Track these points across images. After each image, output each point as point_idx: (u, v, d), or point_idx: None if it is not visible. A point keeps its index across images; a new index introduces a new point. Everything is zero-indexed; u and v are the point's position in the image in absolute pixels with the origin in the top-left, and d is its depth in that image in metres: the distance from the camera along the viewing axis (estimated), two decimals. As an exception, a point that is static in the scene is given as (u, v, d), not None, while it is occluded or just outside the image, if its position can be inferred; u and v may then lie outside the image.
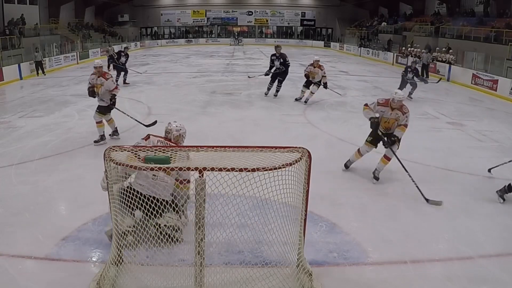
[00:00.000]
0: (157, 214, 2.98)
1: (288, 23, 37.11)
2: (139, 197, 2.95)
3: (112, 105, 6.45)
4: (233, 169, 2.54)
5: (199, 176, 2.49)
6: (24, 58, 15.62)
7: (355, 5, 33.43)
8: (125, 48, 12.86)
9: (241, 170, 2.55)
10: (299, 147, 2.72)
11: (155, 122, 6.69)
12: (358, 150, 5.11)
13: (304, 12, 36.59)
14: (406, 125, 4.81)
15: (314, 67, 9.32)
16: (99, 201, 3.71)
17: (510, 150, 6.37)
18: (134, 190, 2.97)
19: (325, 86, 9.61)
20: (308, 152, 2.71)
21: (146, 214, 2.98)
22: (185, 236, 2.83)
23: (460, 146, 6.47)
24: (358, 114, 8.62)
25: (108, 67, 13.47)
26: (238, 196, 2.76)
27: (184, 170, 2.53)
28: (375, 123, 4.80)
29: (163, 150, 2.71)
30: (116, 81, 10.60)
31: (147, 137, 3.59)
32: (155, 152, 2.68)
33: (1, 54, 14.47)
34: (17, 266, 3.14)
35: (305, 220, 2.85)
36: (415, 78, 10.49)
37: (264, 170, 2.61)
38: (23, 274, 3.05)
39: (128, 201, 2.91)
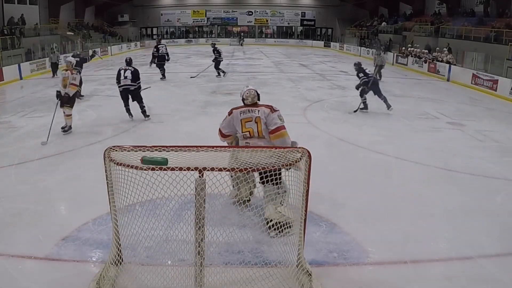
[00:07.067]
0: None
1: (288, 23, 37.11)
2: None
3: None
4: (233, 169, 2.55)
5: (199, 176, 2.49)
6: (24, 58, 15.61)
7: (355, 5, 33.43)
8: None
9: (241, 170, 2.55)
10: (299, 147, 2.72)
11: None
12: None
13: (304, 12, 36.59)
14: None
15: None
16: (99, 201, 3.70)
17: (510, 150, 6.38)
18: None
19: None
20: (308, 152, 2.71)
21: None
22: (186, 236, 2.83)
23: (460, 146, 6.47)
24: (358, 114, 8.64)
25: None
26: (238, 196, 2.75)
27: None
28: None
29: (162, 150, 2.70)
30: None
31: (230, 112, 3.85)
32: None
33: (1, 54, 14.47)
34: (17, 266, 3.14)
35: (305, 220, 2.85)
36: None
37: (264, 170, 2.62)
38: (23, 274, 3.04)
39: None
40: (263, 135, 3.70)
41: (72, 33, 23.67)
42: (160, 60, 13.39)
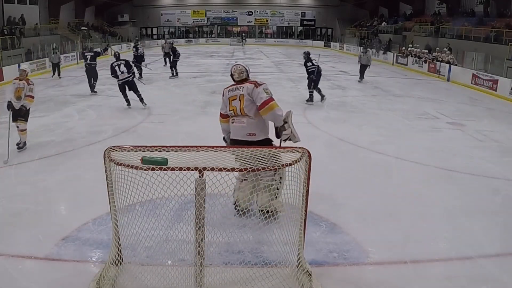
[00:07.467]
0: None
1: (288, 23, 37.12)
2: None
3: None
4: (233, 169, 2.54)
5: (199, 176, 2.49)
6: (24, 58, 15.59)
7: (355, 5, 33.44)
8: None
9: (241, 170, 2.55)
10: (299, 147, 2.72)
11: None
12: None
13: (304, 12, 36.60)
14: None
15: None
16: (99, 201, 3.70)
17: (510, 150, 6.38)
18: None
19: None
20: (308, 152, 2.71)
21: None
22: (186, 236, 2.83)
23: (460, 146, 6.47)
24: (358, 114, 8.65)
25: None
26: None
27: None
28: None
29: (162, 150, 2.70)
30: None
31: (223, 92, 3.82)
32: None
33: (1, 54, 14.47)
34: (17, 266, 3.14)
35: (305, 220, 2.85)
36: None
37: (264, 170, 2.62)
38: (23, 274, 3.04)
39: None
40: (245, 112, 3.57)
41: (92, 30, 23.70)
42: (138, 60, 13.82)
